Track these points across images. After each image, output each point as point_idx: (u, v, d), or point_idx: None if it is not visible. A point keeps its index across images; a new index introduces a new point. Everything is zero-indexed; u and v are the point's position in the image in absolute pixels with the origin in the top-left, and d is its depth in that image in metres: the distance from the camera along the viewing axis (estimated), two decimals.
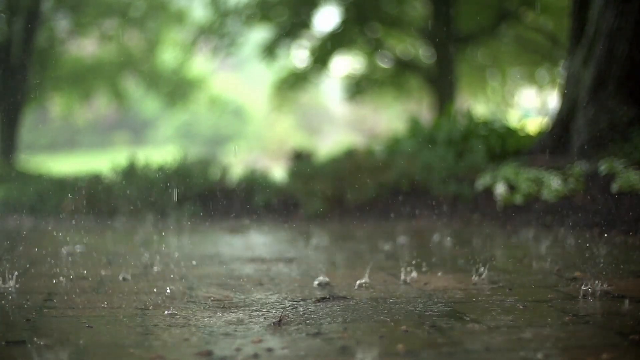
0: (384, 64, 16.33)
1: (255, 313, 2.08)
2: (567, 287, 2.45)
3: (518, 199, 5.07)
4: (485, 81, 17.94)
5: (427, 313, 2.05)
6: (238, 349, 1.63)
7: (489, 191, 5.41)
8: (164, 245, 4.10)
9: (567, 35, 7.07)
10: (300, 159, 8.71)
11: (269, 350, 1.63)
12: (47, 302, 2.24)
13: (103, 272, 2.94)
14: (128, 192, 6.11)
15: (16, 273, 2.64)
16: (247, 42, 16.14)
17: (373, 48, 15.49)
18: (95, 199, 6.15)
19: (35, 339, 1.72)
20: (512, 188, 5.23)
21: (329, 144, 24.40)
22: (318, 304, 2.20)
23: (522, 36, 15.20)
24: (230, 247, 4.07)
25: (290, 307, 2.16)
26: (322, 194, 5.88)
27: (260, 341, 1.71)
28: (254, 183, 6.45)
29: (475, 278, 2.68)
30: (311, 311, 2.08)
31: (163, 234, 4.91)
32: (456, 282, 2.61)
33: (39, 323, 1.93)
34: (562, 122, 6.07)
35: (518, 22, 14.57)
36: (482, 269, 2.88)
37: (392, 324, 1.91)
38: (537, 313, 2.04)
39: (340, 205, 5.92)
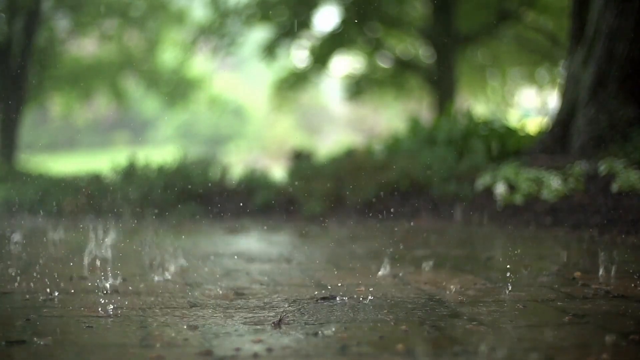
0: (384, 63, 16.33)
1: (255, 313, 2.08)
2: (567, 287, 2.45)
3: (518, 198, 5.07)
4: (485, 81, 17.94)
5: (427, 313, 2.05)
6: (238, 349, 1.63)
7: (489, 191, 5.41)
8: (163, 245, 4.10)
9: (567, 35, 7.07)
10: (300, 159, 8.71)
11: (269, 350, 1.63)
12: (47, 302, 2.24)
13: (103, 272, 2.94)
14: (128, 192, 6.11)
15: (17, 273, 2.64)
16: (247, 42, 16.13)
17: (373, 48, 15.49)
18: (95, 198, 6.15)
19: (35, 339, 1.72)
20: (512, 188, 5.23)
21: (329, 144, 24.38)
22: (318, 303, 2.20)
23: (522, 36, 15.21)
24: (229, 247, 4.07)
25: (290, 307, 2.16)
26: (322, 194, 5.88)
27: (260, 341, 1.71)
28: (254, 183, 6.45)
29: (475, 278, 2.68)
30: (311, 311, 2.08)
31: (162, 233, 4.90)
32: (456, 281, 2.61)
33: (39, 323, 1.93)
34: (562, 122, 6.07)
35: (518, 22, 14.57)
36: (482, 268, 2.88)
37: (392, 324, 1.91)
38: (537, 313, 2.04)
39: (340, 205, 5.92)
